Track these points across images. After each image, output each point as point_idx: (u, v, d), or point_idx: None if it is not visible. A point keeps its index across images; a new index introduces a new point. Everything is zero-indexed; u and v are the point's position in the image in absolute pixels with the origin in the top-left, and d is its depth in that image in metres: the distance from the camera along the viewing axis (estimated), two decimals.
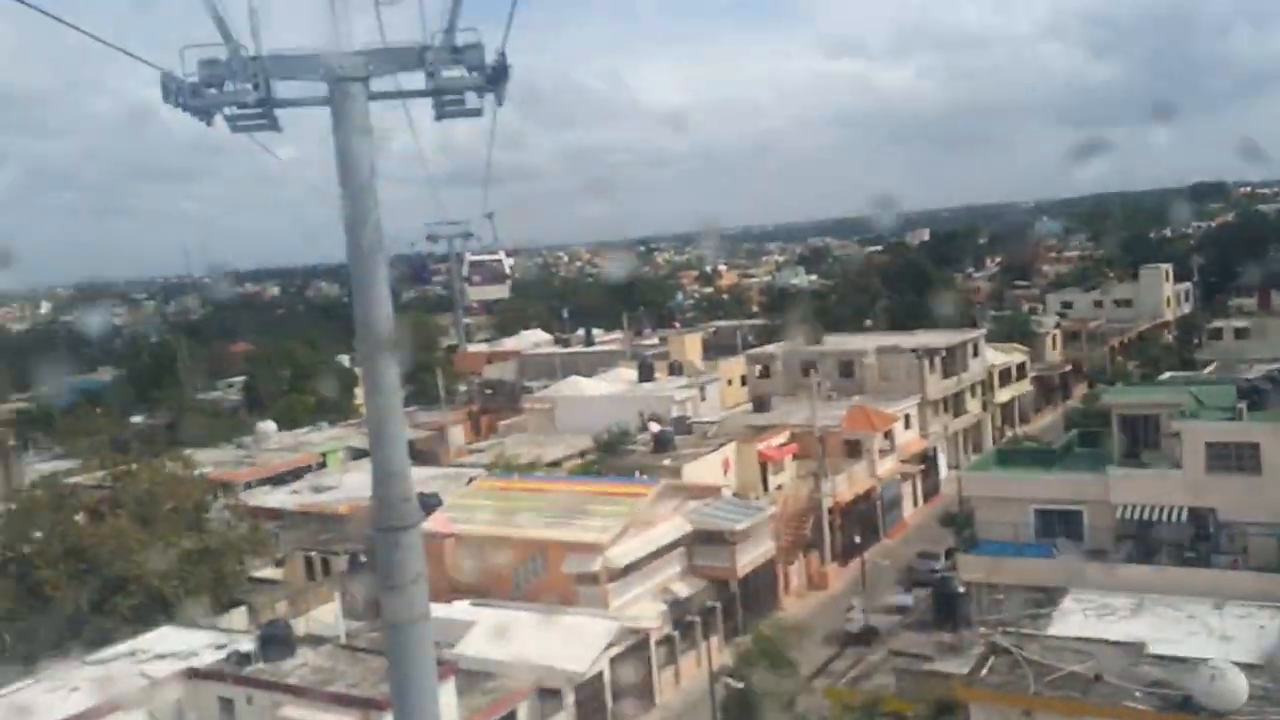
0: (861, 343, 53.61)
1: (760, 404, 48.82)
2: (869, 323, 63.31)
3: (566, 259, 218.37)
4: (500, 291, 60.26)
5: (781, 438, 43.30)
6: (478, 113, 8.55)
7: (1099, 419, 35.17)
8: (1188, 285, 79.14)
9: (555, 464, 46.64)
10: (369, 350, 7.62)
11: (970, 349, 53.03)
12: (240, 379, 73.80)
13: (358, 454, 54.40)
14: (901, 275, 73.29)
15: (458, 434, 58.16)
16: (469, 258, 48.44)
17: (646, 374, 55.83)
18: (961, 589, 32.02)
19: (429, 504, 36.86)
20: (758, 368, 54.18)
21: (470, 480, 40.90)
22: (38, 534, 30.93)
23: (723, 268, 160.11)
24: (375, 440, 7.80)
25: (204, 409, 65.77)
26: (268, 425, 57.68)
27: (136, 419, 64.84)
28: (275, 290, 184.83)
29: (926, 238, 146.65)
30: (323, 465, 52.57)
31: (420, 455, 53.81)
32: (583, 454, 47.86)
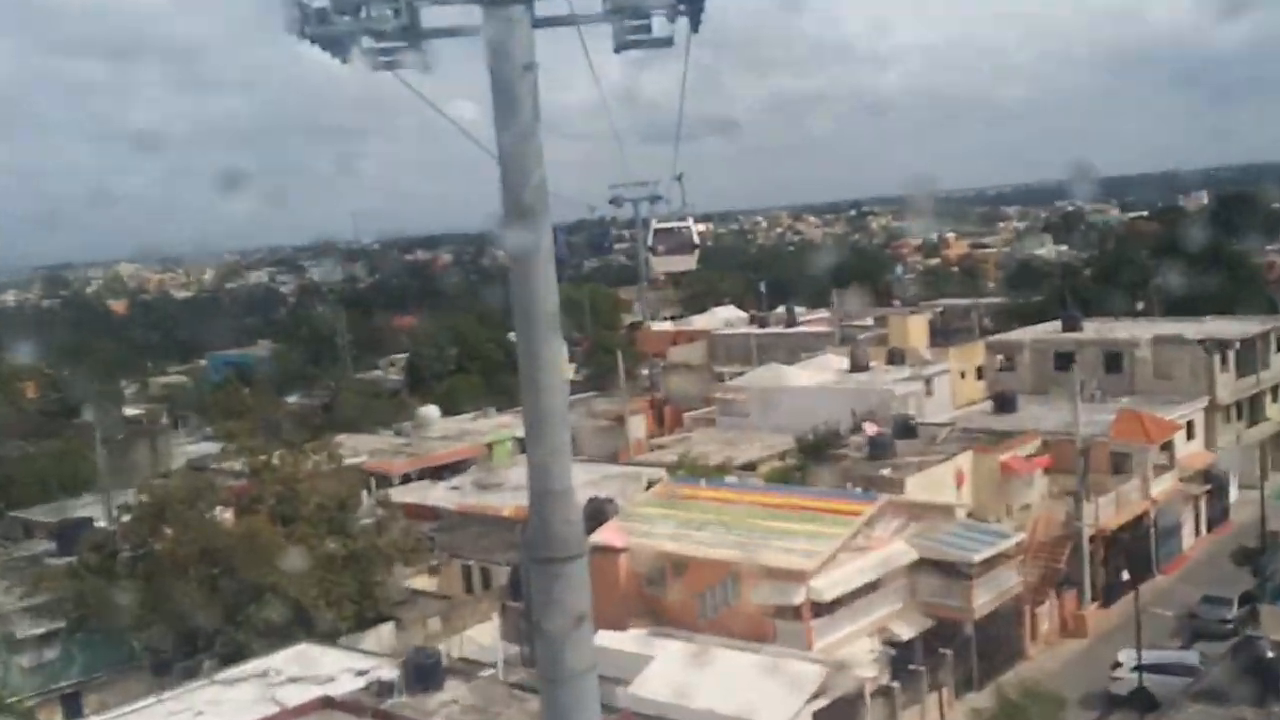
0: (1132, 330, 48.86)
1: (1003, 403, 45.29)
2: (1140, 305, 57.88)
3: (765, 225, 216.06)
4: (687, 263, 58.82)
5: (1030, 446, 39.79)
6: (667, 43, 7.90)
7: None
8: None
9: (750, 467, 44.76)
10: (528, 334, 7.06)
11: (1273, 341, 47.45)
12: (403, 357, 75.43)
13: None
14: (1178, 247, 66.83)
15: (638, 425, 57.16)
16: (654, 225, 47.64)
17: (860, 362, 52.94)
18: (1271, 652, 28.37)
19: (601, 511, 35.75)
20: (999, 358, 50.48)
21: (650, 484, 39.53)
22: (169, 531, 31.35)
23: (951, 236, 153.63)
24: (533, 446, 7.17)
25: (363, 389, 67.46)
26: (430, 410, 58.28)
27: (291, 399, 67.14)
28: (448, 258, 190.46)
29: (1205, 201, 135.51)
30: (489, 457, 52.59)
31: (595, 449, 53.43)
32: (783, 456, 45.67)
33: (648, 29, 7.75)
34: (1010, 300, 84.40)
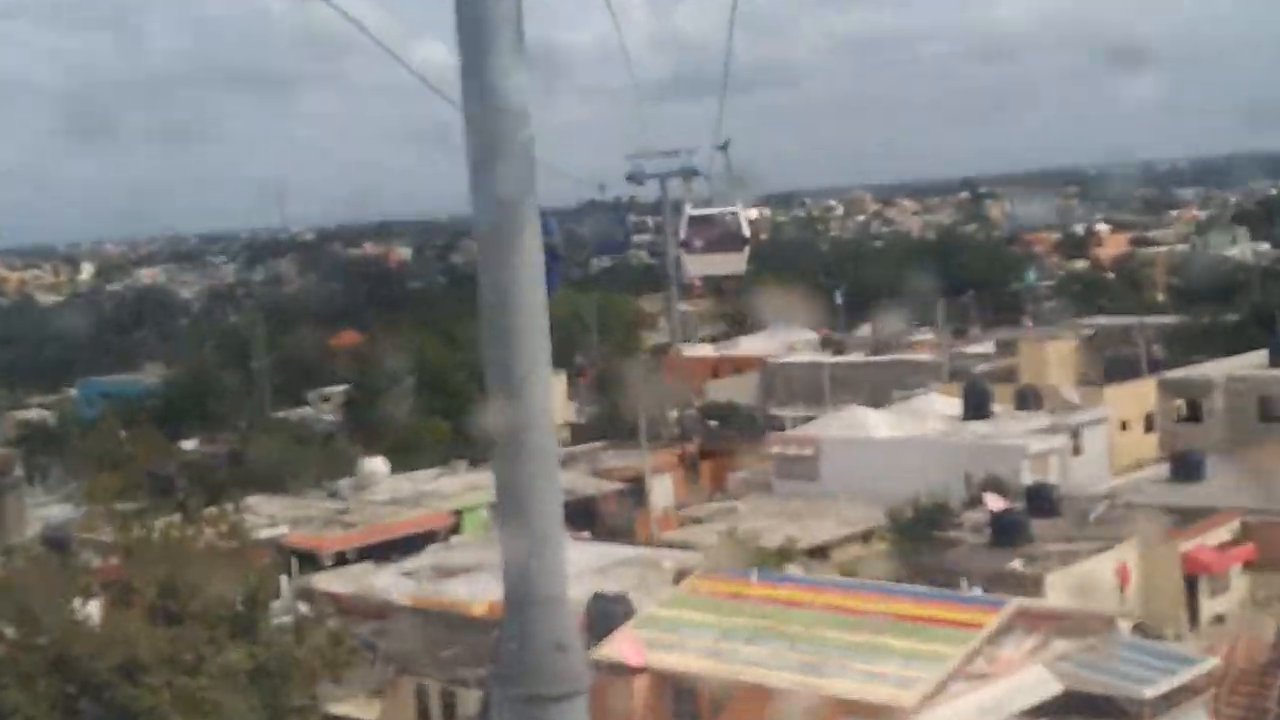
0: None
1: (1185, 468, 43.96)
2: None
3: (842, 211, 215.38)
4: (734, 263, 57.84)
5: (1226, 531, 38.48)
6: None
7: None
8: None
9: (820, 551, 43.73)
10: (502, 363, 5.90)
11: None
12: (341, 389, 74.57)
13: None
14: None
15: (665, 488, 56.25)
16: (689, 211, 47.12)
17: (978, 405, 51.72)
18: None
19: (610, 614, 34.63)
20: (1178, 404, 49.21)
21: (680, 576, 38.38)
22: (8, 631, 30.61)
23: (1104, 228, 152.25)
24: (508, 529, 5.91)
25: (286, 432, 66.64)
26: (375, 464, 57.42)
27: (188, 444, 66.40)
28: (405, 253, 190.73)
29: None
30: (455, 530, 51.66)
31: (606, 522, 52.35)
32: (866, 536, 44.90)
33: None
34: (1191, 319, 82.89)
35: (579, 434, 67.23)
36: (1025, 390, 52.80)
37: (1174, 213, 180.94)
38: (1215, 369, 50.61)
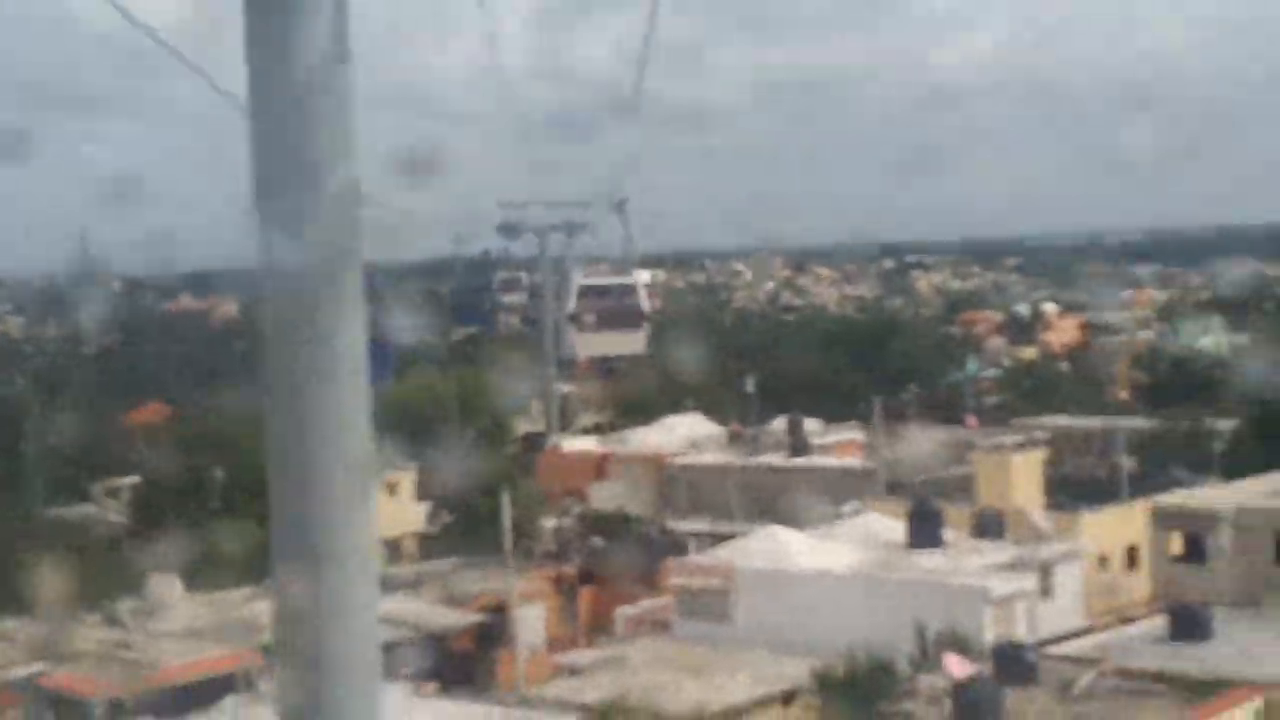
0: None
1: (1188, 624, 40.79)
2: None
3: (749, 276, 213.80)
4: (633, 343, 54.70)
5: (1244, 711, 35.28)
6: None
7: None
8: None
9: (733, 717, 40.10)
10: (296, 478, 5.62)
11: None
12: (133, 480, 69.41)
13: None
14: None
15: (535, 622, 52.54)
16: (580, 281, 44.61)
17: (926, 530, 48.44)
18: None
19: None
20: (1173, 536, 46.25)
21: None
22: None
23: (1051, 307, 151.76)
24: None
25: (62, 534, 61.56)
26: (167, 582, 53.04)
27: None
28: (231, 309, 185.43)
29: None
30: (266, 670, 47.43)
31: (458, 668, 48.60)
32: (789, 698, 41.22)
33: None
34: (1166, 424, 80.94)
35: (429, 547, 62.99)
36: (985, 513, 49.74)
37: (1129, 293, 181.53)
38: (1219, 496, 47.65)
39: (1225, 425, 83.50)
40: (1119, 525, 50.31)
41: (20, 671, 46.38)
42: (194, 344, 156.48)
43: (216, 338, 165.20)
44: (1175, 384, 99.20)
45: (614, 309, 36.52)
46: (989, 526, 49.21)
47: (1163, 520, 46.75)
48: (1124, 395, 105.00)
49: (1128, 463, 59.77)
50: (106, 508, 68.38)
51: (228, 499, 60.46)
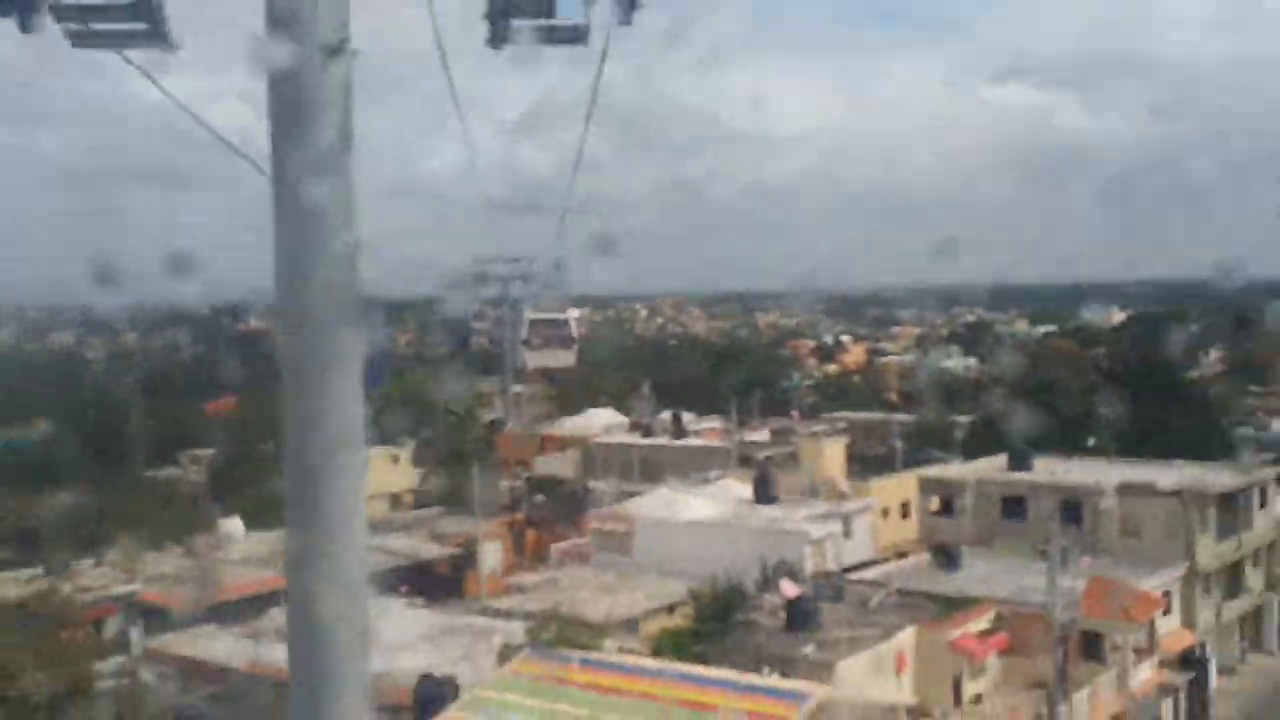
0: (1089, 473, 44.17)
1: (945, 559, 39.72)
2: (1091, 441, 53.59)
3: (645, 313, 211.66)
4: (565, 359, 53.44)
5: (982, 621, 34.19)
6: (580, 36, 6.46)
7: None
8: None
9: (633, 623, 38.42)
10: (304, 476, 5.87)
11: (1257, 495, 43.25)
12: (209, 452, 66.62)
13: None
14: (1120, 373, 63.53)
15: (494, 554, 50.34)
16: (529, 316, 43.89)
17: (766, 492, 47.12)
18: None
19: (437, 696, 28.68)
20: (934, 499, 45.10)
21: (505, 650, 32.53)
22: None
23: (846, 339, 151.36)
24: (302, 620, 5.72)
25: (153, 490, 58.64)
26: (232, 524, 50.50)
27: (64, 498, 57.96)
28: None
29: (1121, 319, 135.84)
30: None
31: (439, 586, 46.54)
32: (672, 608, 39.57)
33: (547, 9, 6.24)
34: (923, 419, 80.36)
35: (421, 500, 60.92)
36: (805, 480, 48.47)
37: (896, 329, 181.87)
38: (967, 471, 46.70)
39: (963, 419, 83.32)
40: (896, 489, 49.13)
41: (120, 589, 43.94)
42: (257, 354, 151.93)
43: (272, 348, 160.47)
44: (928, 392, 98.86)
45: (553, 335, 36.09)
46: (807, 489, 48.15)
47: (926, 487, 45.88)
48: (894, 398, 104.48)
49: (899, 445, 58.89)
50: (189, 471, 65.28)
51: (278, 466, 58.18)
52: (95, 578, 45.90)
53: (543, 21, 6.42)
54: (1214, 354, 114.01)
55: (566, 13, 6.30)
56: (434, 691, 28.49)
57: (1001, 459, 46.99)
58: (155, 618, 40.89)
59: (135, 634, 41.39)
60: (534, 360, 54.19)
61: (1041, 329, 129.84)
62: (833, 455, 50.75)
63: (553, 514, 54.83)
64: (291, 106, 5.66)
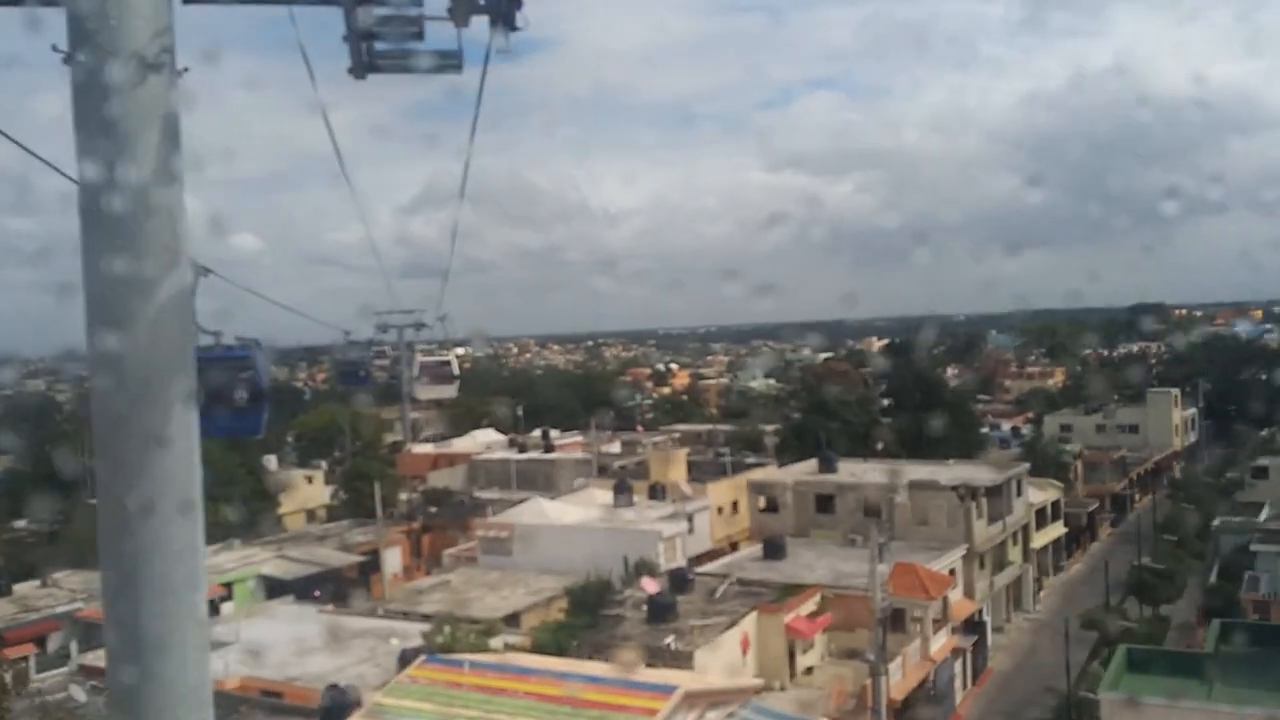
0: (883, 474, 42.07)
1: (772, 549, 36.82)
2: (879, 445, 51.82)
3: (516, 350, 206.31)
4: (449, 391, 51.75)
5: (810, 603, 31.34)
6: (451, 64, 5.34)
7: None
8: (1192, 411, 69.61)
9: (514, 619, 34.32)
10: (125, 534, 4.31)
11: (1014, 486, 41.83)
12: None
13: (273, 586, 41.21)
14: (898, 388, 62.39)
15: (394, 559, 45.46)
16: (420, 358, 40.30)
17: (624, 496, 43.67)
18: None
19: (343, 703, 24.14)
20: (761, 499, 42.24)
21: (405, 661, 28.05)
22: None
23: (675, 366, 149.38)
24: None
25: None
26: None
27: (19, 523, 50.68)
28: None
29: (877, 345, 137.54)
30: (226, 598, 39.26)
31: (349, 589, 41.40)
32: (550, 602, 35.68)
33: (412, 32, 5.00)
34: (739, 428, 78.26)
35: (332, 514, 55.27)
36: (655, 485, 45.20)
37: (710, 358, 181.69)
38: (784, 474, 43.93)
39: (770, 428, 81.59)
40: (727, 490, 46.38)
41: (65, 608, 37.65)
42: None
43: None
44: (739, 407, 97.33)
45: (439, 373, 33.41)
46: (657, 493, 44.79)
47: (753, 488, 42.86)
48: (715, 412, 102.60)
49: (727, 453, 56.24)
50: None
51: (207, 489, 51.51)
52: (40, 597, 39.54)
53: (411, 46, 5.06)
54: (950, 370, 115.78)
55: (437, 40, 5.01)
56: (339, 700, 23.97)
57: (812, 463, 44.51)
58: (97, 634, 34.99)
59: (74, 648, 35.41)
60: (423, 393, 50.92)
61: (821, 355, 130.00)
62: (677, 464, 47.40)
63: (445, 522, 50.12)
64: (99, 124, 4.04)
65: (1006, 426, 75.27)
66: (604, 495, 45.05)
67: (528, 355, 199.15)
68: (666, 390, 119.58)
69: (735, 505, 46.73)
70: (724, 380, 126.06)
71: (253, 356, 6.33)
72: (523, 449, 64.16)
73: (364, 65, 5.19)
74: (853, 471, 42.33)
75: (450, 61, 5.37)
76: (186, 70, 4.49)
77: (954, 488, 37.99)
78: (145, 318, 4.19)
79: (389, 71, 5.44)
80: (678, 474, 46.56)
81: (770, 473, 46.22)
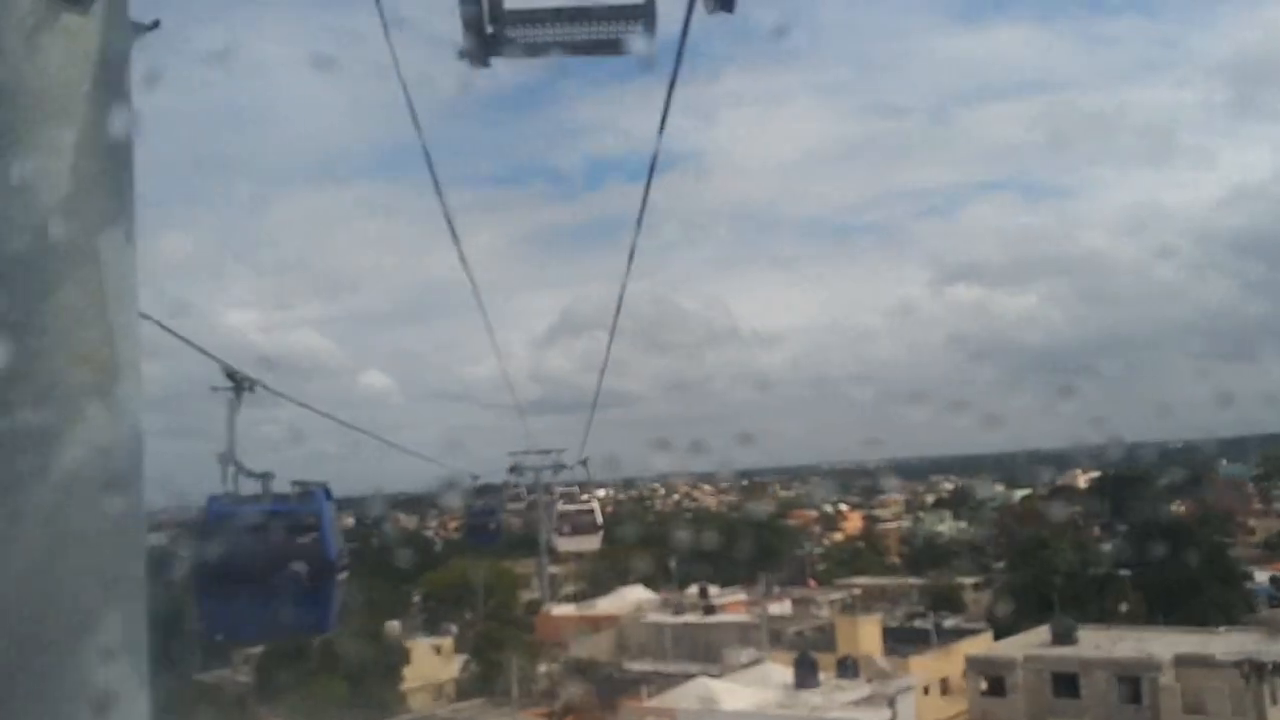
0: (1135, 644, 36.09)
1: None
2: (1123, 607, 45.35)
3: (663, 492, 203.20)
4: (592, 543, 50.23)
5: None
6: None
7: None
8: None
9: None
10: None
11: None
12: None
13: None
14: (1133, 530, 55.61)
15: None
16: (559, 507, 39.28)
17: (808, 674, 39.00)
18: None
19: None
20: (982, 680, 36.77)
21: None
22: None
23: (844, 507, 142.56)
24: None
25: (201, 694, 50.21)
26: None
27: None
28: (350, 520, 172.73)
29: (1083, 479, 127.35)
30: None
31: None
32: None
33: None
34: (932, 581, 71.98)
35: (462, 690, 52.45)
36: (844, 659, 40.30)
37: (883, 496, 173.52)
38: (1011, 646, 38.25)
39: (969, 581, 74.94)
40: (934, 665, 41.14)
41: None
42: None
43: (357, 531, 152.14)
44: (926, 554, 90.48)
45: (581, 523, 32.27)
46: (847, 669, 39.95)
47: (973, 666, 37.38)
48: (896, 560, 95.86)
49: (930, 619, 50.58)
50: (237, 672, 56.19)
51: (323, 663, 49.57)
52: None
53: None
54: (1176, 507, 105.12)
55: None
56: None
57: (1043, 632, 38.75)
58: None
59: None
60: (564, 545, 49.00)
61: (1018, 492, 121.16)
62: (869, 632, 42.43)
63: (591, 700, 46.43)
64: None
65: (1262, 576, 66.46)
66: (782, 672, 40.51)
67: (676, 496, 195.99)
68: (839, 536, 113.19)
69: (945, 684, 41.34)
70: (904, 523, 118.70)
71: (318, 512, 4.91)
72: (678, 610, 60.15)
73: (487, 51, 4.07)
74: (1096, 642, 36.44)
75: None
76: (157, 25, 3.18)
77: (1236, 664, 31.80)
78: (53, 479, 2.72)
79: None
80: (871, 644, 41.65)
81: (987, 643, 40.69)
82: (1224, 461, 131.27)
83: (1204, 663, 32.67)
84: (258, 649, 55.07)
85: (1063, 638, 36.49)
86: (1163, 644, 35.06)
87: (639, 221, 6.66)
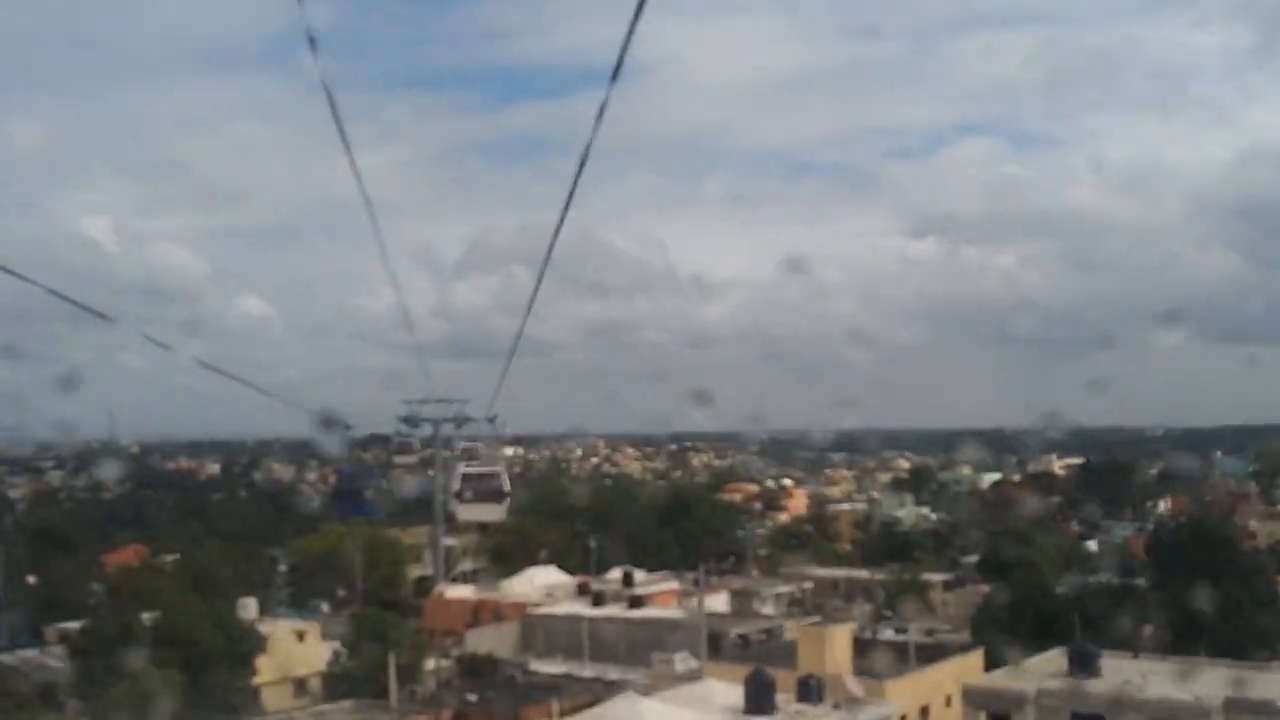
0: (1165, 677, 32.74)
1: None
2: (1148, 629, 42.20)
3: (580, 453, 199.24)
4: (498, 513, 47.92)
5: None
6: None
7: None
8: None
9: None
10: None
11: None
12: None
13: None
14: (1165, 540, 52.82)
15: None
16: (462, 469, 35.74)
17: (762, 696, 34.89)
18: None
19: None
20: (981, 715, 33.02)
21: None
22: None
23: (788, 482, 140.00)
24: None
25: (5, 680, 44.53)
26: None
27: None
28: (215, 468, 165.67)
29: (1059, 465, 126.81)
30: None
31: None
32: None
33: None
34: (893, 575, 69.12)
35: (329, 687, 47.57)
36: (806, 679, 36.26)
37: (829, 472, 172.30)
38: (1019, 676, 34.30)
39: (938, 578, 72.26)
40: (916, 689, 37.53)
41: None
42: (185, 494, 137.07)
43: (199, 487, 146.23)
44: (884, 544, 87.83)
45: (486, 489, 28.38)
46: (810, 691, 35.99)
47: (974, 700, 33.58)
48: (848, 548, 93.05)
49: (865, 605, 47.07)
50: (48, 655, 50.22)
51: (155, 646, 44.16)
52: None
53: None
54: (1165, 505, 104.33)
55: None
56: None
57: (1055, 658, 35.12)
58: None
59: None
60: (466, 514, 46.20)
61: (987, 476, 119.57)
62: (836, 645, 38.45)
63: (487, 709, 42.08)
64: None
65: None
66: (728, 691, 36.37)
67: (594, 459, 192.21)
68: (783, 516, 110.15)
69: (925, 712, 37.88)
70: (856, 504, 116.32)
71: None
72: (598, 600, 56.06)
73: None
74: (1122, 674, 32.96)
75: None
76: None
77: None
78: None
79: None
80: (839, 660, 37.78)
81: (978, 664, 37.18)
82: (1219, 455, 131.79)
83: (1265, 709, 29.37)
84: (75, 624, 49.44)
85: (1083, 667, 32.87)
86: (1204, 681, 31.74)
87: (588, 146, 7.17)
